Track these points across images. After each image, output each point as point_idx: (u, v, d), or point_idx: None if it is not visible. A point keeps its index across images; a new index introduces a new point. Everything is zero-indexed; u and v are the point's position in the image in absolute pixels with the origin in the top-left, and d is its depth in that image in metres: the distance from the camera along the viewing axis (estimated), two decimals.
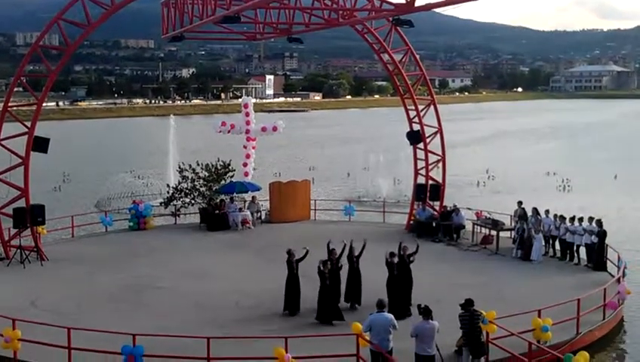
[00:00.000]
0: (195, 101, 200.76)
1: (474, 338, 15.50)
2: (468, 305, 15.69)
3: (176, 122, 56.20)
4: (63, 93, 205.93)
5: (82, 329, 17.43)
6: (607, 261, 25.36)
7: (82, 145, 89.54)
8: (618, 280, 22.11)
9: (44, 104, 27.89)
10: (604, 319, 20.27)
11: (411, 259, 20.35)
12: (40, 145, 27.19)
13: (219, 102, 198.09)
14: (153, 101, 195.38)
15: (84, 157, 74.05)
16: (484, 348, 15.68)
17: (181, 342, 17.20)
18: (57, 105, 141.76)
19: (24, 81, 29.47)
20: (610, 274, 24.45)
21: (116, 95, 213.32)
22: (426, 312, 15.43)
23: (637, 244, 32.27)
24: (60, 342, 16.95)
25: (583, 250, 26.29)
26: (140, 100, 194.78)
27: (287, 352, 16.02)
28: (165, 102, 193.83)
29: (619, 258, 24.25)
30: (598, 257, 25.32)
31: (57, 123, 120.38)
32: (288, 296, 20.80)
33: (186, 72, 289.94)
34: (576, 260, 26.37)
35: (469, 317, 15.55)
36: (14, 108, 27.19)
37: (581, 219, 26.35)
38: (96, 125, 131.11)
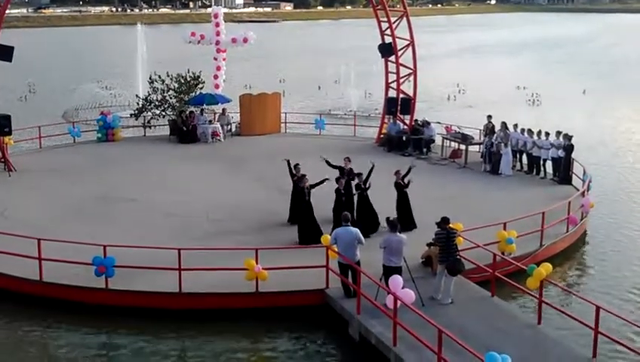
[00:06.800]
0: (163, 10, 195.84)
1: (450, 256, 15.73)
2: (444, 223, 15.84)
3: (144, 31, 54.97)
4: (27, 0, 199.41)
5: (53, 240, 17.45)
6: (573, 175, 25.81)
7: (48, 54, 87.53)
8: (583, 194, 22.55)
9: (7, 11, 27.06)
10: (567, 231, 20.76)
11: (406, 181, 20.40)
12: (4, 53, 26.54)
13: (187, 11, 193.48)
14: (119, 9, 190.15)
15: (50, 66, 72.48)
16: (459, 266, 15.91)
17: (152, 253, 17.34)
18: None
19: None
20: (575, 187, 24.92)
21: (81, 2, 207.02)
22: (393, 225, 15.66)
23: (602, 158, 32.84)
24: (31, 252, 17.00)
25: (549, 164, 26.68)
26: (106, 8, 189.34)
27: (257, 263, 16.26)
28: (132, 10, 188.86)
29: (584, 172, 24.68)
30: (564, 171, 25.74)
31: (21, 31, 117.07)
32: (302, 227, 19.49)
33: None
34: (542, 174, 26.79)
35: (446, 235, 15.75)
36: None
37: (547, 134, 26.63)
38: (61, 33, 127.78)
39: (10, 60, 26.82)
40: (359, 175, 20.07)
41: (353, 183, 20.21)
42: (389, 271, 15.26)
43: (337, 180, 19.84)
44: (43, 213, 22.13)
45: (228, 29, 36.46)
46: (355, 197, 20.04)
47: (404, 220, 19.41)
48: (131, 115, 36.25)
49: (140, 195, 24.19)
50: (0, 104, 28.71)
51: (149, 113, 34.99)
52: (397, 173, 20.47)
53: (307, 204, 19.49)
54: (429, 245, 17.43)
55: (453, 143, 30.04)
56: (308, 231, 19.23)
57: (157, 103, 34.83)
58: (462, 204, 22.65)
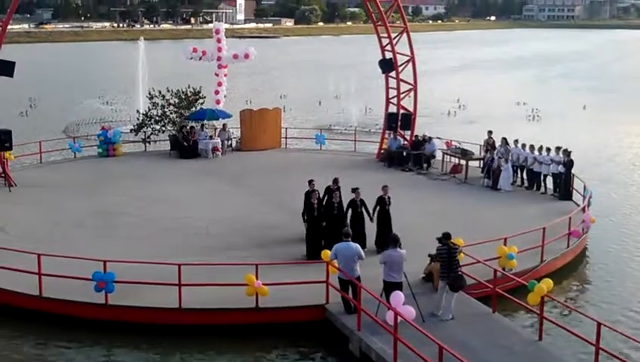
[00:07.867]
0: (164, 25, 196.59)
1: (451, 272, 15.67)
2: (445, 238, 15.79)
3: (145, 47, 55.10)
4: (29, 15, 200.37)
5: (53, 256, 17.42)
6: (573, 190, 25.79)
7: (49, 69, 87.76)
8: (583, 210, 22.52)
9: (8, 27, 27.16)
10: (568, 247, 20.72)
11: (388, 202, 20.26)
12: (5, 68, 26.60)
13: (188, 27, 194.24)
14: (121, 25, 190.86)
15: (51, 82, 72.66)
16: (461, 282, 15.85)
17: (152, 269, 17.30)
18: None
19: None
20: (575, 203, 24.89)
21: (83, 18, 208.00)
22: (394, 240, 15.63)
23: (603, 173, 32.82)
24: (31, 268, 16.97)
25: (550, 180, 26.67)
26: (107, 24, 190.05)
27: (257, 279, 16.23)
28: (133, 26, 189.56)
29: (585, 187, 24.66)
30: (564, 186, 25.73)
31: (23, 46, 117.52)
32: (311, 239, 19.57)
33: None
34: (543, 189, 26.78)
35: (447, 250, 15.70)
36: None
37: (548, 149, 26.64)
38: (62, 49, 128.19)
39: (11, 75, 26.88)
40: (356, 189, 19.96)
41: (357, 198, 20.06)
42: (389, 286, 15.22)
43: (331, 194, 19.84)
44: (43, 228, 22.11)
45: (229, 45, 36.59)
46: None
47: (383, 236, 19.26)
48: (131, 130, 36.31)
49: (140, 210, 24.18)
50: (1, 119, 28.70)
51: (149, 128, 35.03)
52: (384, 187, 20.34)
53: (314, 219, 19.52)
54: (430, 256, 17.39)
55: (453, 158, 30.05)
56: (313, 245, 19.30)
57: (157, 119, 34.87)
58: (462, 220, 22.62)
